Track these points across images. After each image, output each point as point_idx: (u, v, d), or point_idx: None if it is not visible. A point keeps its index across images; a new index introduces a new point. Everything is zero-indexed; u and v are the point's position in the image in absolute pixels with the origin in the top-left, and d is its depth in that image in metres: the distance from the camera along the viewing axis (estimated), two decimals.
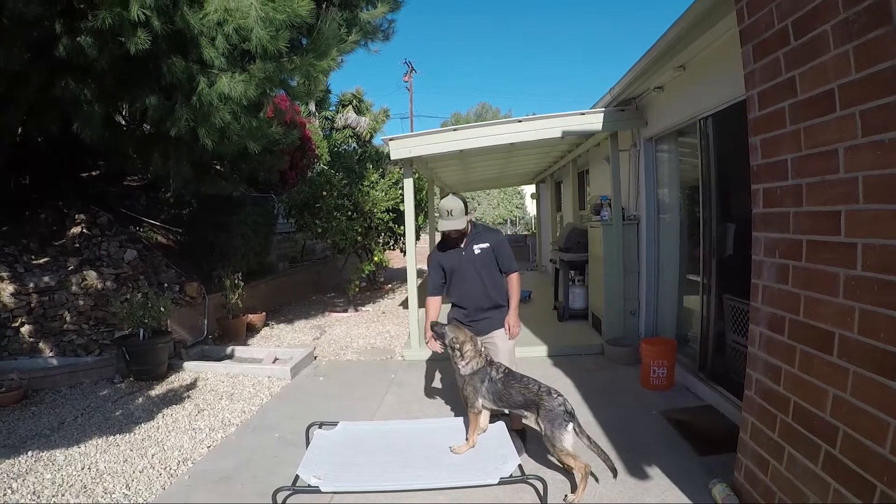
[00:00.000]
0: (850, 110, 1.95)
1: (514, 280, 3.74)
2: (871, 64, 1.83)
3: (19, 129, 6.13)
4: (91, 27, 3.99)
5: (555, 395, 3.18)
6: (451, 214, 3.58)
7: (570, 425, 3.06)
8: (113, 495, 3.16)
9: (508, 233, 27.08)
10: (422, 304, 9.00)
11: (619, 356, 5.58)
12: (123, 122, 6.55)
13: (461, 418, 3.66)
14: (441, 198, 3.99)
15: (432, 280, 3.87)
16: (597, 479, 3.18)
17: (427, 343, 3.73)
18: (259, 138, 5.68)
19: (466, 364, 3.38)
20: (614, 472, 3.10)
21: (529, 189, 20.46)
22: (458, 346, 3.40)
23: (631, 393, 4.71)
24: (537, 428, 3.19)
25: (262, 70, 4.97)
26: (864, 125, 1.89)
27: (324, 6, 5.73)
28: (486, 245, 3.70)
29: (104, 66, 4.35)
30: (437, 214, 3.80)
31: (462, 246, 3.73)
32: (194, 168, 6.03)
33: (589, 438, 3.15)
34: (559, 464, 3.25)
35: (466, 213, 3.64)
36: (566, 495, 3.06)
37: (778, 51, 2.32)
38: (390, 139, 6.17)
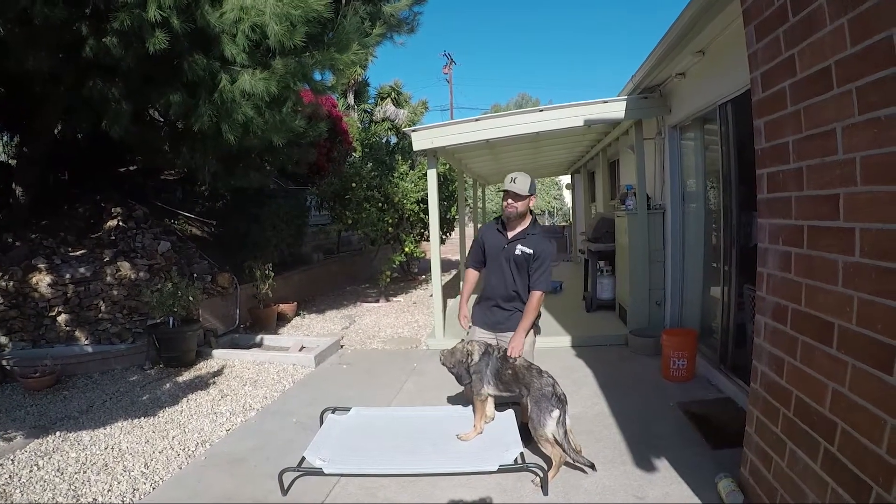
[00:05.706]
0: (847, 87, 1.84)
1: (534, 299, 3.42)
2: (866, 37, 1.73)
3: (58, 127, 6.44)
4: (115, 28, 4.16)
5: (546, 377, 3.17)
6: (515, 181, 3.41)
7: (556, 412, 3.03)
8: (132, 473, 3.34)
9: (546, 224, 26.67)
10: (454, 294, 9.20)
11: (643, 347, 5.46)
12: (160, 119, 6.81)
13: (471, 407, 3.68)
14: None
15: (472, 253, 3.80)
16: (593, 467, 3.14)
17: (461, 321, 3.79)
18: (283, 132, 5.78)
19: (473, 358, 3.49)
20: (592, 467, 3.14)
21: (566, 179, 20.14)
22: (468, 355, 3.52)
23: (650, 384, 4.61)
24: (528, 408, 3.18)
25: (283, 65, 5.07)
26: (861, 102, 1.79)
27: (343, 0, 5.77)
28: (529, 251, 3.44)
29: (130, 65, 4.52)
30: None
31: (510, 236, 3.53)
32: (222, 161, 6.21)
33: (566, 434, 3.09)
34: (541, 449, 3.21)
35: (529, 194, 3.45)
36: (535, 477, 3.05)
37: (778, 29, 2.21)
38: (413, 130, 6.20)
